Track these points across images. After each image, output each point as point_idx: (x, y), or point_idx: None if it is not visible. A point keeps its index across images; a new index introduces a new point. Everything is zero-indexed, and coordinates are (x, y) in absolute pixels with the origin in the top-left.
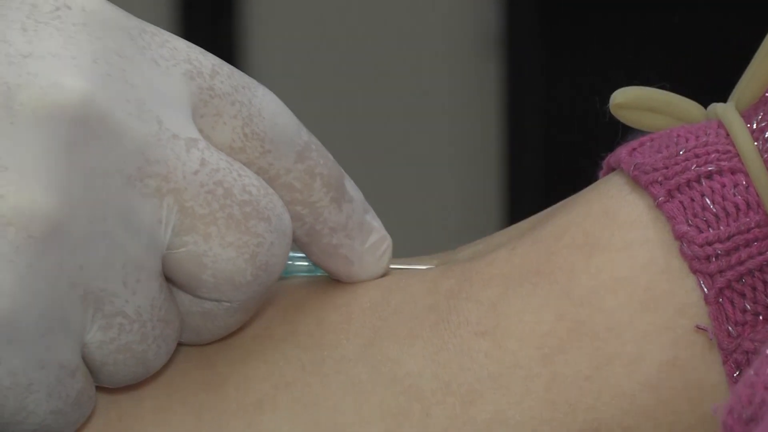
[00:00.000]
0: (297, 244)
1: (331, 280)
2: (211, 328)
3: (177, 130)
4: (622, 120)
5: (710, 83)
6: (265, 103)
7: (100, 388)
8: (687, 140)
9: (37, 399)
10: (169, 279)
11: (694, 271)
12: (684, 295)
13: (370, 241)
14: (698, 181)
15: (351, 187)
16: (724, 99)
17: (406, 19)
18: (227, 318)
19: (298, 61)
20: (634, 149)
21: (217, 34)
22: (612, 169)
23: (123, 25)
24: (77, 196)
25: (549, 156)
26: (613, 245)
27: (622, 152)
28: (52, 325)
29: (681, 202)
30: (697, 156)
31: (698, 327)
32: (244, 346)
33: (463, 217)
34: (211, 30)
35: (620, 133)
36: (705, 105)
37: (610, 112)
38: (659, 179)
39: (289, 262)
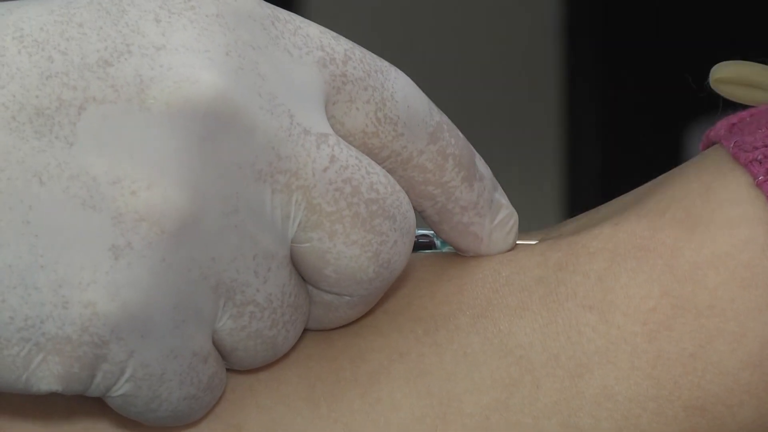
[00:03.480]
0: (428, 223)
1: (443, 254)
2: (333, 318)
3: (308, 125)
4: (722, 94)
5: None
6: (397, 86)
7: None
8: None
9: (170, 387)
10: None
11: None
12: None
13: (499, 218)
14: None
15: (481, 165)
16: None
17: (464, 8)
18: (348, 310)
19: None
20: (734, 124)
21: None
22: (711, 143)
23: (256, 15)
24: (209, 191)
25: (606, 148)
26: (715, 222)
27: (721, 128)
28: (185, 316)
29: None
30: None
31: None
32: (358, 320)
33: (520, 208)
34: None
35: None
36: None
37: (709, 87)
38: (759, 158)
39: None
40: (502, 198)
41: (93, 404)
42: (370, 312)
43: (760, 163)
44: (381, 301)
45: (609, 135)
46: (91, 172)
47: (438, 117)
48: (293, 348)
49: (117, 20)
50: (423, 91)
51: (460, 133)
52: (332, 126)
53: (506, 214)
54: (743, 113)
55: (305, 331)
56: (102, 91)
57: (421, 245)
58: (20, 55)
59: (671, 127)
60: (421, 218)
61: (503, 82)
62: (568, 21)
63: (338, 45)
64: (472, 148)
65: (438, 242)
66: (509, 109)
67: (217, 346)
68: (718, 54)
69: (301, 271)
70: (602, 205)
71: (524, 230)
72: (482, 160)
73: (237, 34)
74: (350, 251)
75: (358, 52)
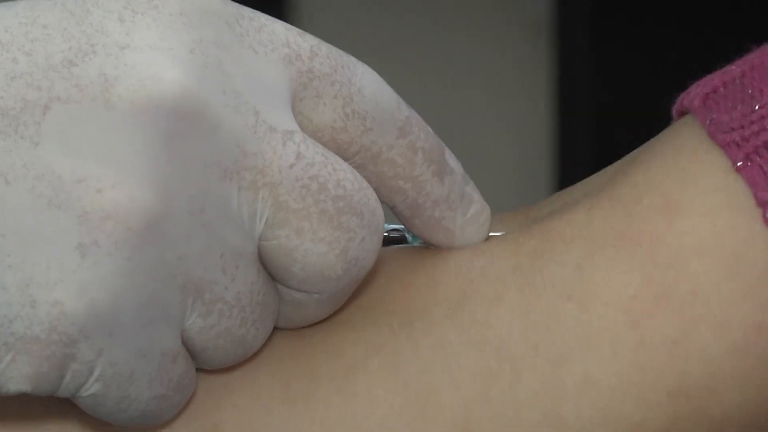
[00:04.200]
0: (399, 218)
1: (414, 247)
2: (303, 316)
3: (273, 122)
4: None
5: None
6: (365, 81)
7: None
8: (762, 93)
9: (140, 387)
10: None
11: None
12: None
13: (471, 212)
14: None
15: (452, 160)
16: None
17: (456, 4)
18: (317, 308)
19: (346, 40)
20: (708, 95)
21: None
22: (685, 110)
23: (220, 12)
24: (175, 189)
25: (600, 143)
26: (695, 209)
27: (695, 99)
28: (153, 315)
29: (760, 166)
30: None
31: None
32: (332, 316)
33: (512, 204)
34: None
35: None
36: None
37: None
38: (737, 140)
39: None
40: (473, 192)
41: (63, 406)
42: (343, 307)
43: (738, 146)
44: (353, 296)
45: (602, 118)
46: (56, 171)
47: (407, 111)
48: (268, 346)
49: (81, 21)
50: (417, 79)
51: (429, 128)
52: (300, 122)
53: (478, 208)
54: (717, 82)
55: (279, 329)
56: (66, 90)
57: (392, 240)
58: None
59: (665, 112)
60: (393, 214)
61: (494, 71)
62: (559, 16)
63: (304, 42)
64: (442, 142)
65: (409, 237)
66: (500, 95)
67: (186, 345)
68: (712, 43)
69: (269, 269)
70: (575, 186)
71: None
72: (452, 155)
73: (201, 32)
74: (318, 248)
75: (324, 48)
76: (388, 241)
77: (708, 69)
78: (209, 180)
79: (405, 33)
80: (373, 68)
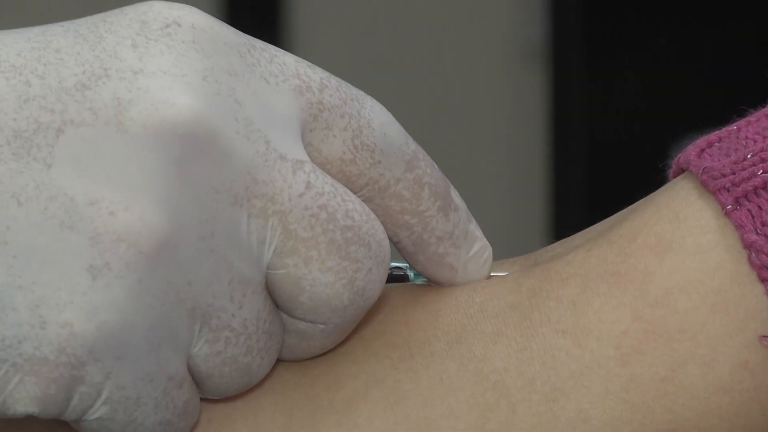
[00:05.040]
0: (403, 254)
1: (416, 284)
2: (306, 347)
3: (284, 151)
4: None
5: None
6: (374, 114)
7: None
8: (755, 142)
9: (146, 411)
10: None
11: (763, 280)
12: (754, 300)
13: (474, 250)
14: (765, 188)
15: (456, 197)
16: None
17: (451, 27)
18: (322, 339)
19: (340, 65)
20: (703, 150)
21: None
22: (681, 169)
23: (232, 42)
24: (186, 213)
25: (593, 165)
26: (685, 248)
27: (691, 153)
28: (161, 339)
29: (749, 210)
30: (763, 160)
31: (762, 337)
32: (334, 348)
33: (506, 226)
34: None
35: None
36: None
37: None
38: (727, 186)
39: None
40: (476, 230)
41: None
42: (344, 340)
43: (728, 191)
44: (355, 328)
45: (595, 155)
46: (69, 193)
47: (414, 146)
48: (269, 376)
49: (94, 46)
50: (410, 100)
51: (434, 164)
52: (310, 153)
53: (481, 246)
54: (712, 137)
55: (280, 360)
56: (80, 113)
57: (394, 278)
58: None
59: (660, 153)
60: (396, 251)
61: (490, 102)
62: (554, 38)
63: (314, 73)
64: (447, 179)
65: (411, 274)
66: (495, 117)
67: (192, 373)
68: (707, 66)
69: (275, 299)
70: (577, 234)
71: (507, 257)
72: (457, 192)
73: (214, 60)
74: (325, 278)
75: (334, 80)
76: (390, 279)
77: (701, 92)
78: (219, 206)
79: (398, 55)
80: (366, 88)
